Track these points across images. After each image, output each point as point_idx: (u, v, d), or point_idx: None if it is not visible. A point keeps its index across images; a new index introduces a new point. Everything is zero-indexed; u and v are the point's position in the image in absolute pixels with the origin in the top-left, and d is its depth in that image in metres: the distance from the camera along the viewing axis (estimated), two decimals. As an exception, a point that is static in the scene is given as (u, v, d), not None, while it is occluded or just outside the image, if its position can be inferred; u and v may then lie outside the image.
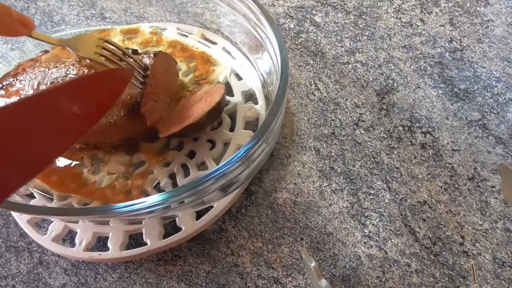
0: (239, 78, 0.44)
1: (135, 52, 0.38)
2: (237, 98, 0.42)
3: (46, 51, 0.40)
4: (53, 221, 0.38)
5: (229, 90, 0.43)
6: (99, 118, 0.29)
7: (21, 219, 0.38)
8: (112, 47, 0.35)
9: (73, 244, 0.36)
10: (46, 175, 0.38)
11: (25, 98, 0.24)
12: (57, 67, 0.36)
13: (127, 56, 0.35)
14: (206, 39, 0.47)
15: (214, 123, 0.41)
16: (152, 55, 0.37)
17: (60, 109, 0.26)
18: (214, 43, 0.46)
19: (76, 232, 0.37)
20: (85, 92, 0.28)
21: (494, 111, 0.40)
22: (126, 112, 0.35)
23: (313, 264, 0.31)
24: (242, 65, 0.44)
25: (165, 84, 0.39)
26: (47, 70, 0.36)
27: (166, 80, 0.39)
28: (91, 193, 0.38)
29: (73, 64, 0.36)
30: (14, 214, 0.39)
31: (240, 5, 0.39)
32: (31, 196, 0.39)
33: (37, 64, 0.37)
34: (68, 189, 0.38)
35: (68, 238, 0.38)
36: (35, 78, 0.37)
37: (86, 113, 0.28)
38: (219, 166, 0.29)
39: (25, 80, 0.37)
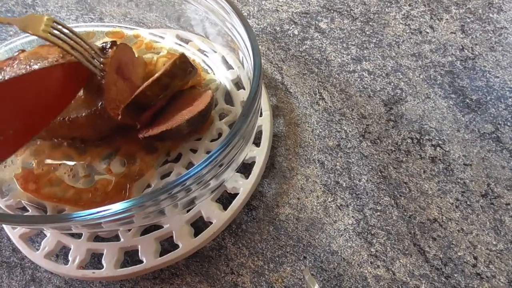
0: (238, 87, 0.42)
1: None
2: (237, 108, 0.40)
3: (23, 51, 0.39)
4: (46, 236, 0.36)
5: (229, 100, 0.41)
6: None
7: (13, 233, 0.37)
8: (63, 29, 0.35)
9: (66, 261, 0.35)
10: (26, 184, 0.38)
11: None
12: (39, 63, 0.35)
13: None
14: (201, 50, 0.45)
15: (214, 133, 0.39)
16: (109, 45, 0.37)
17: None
18: (214, 51, 0.44)
19: (70, 248, 0.35)
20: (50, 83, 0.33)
21: (508, 123, 0.38)
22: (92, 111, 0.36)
23: (316, 287, 0.29)
24: (240, 76, 0.42)
25: (129, 75, 0.39)
26: (28, 67, 0.35)
27: (129, 72, 0.39)
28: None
29: (56, 60, 0.35)
30: (6, 228, 0.37)
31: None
32: (24, 209, 0.37)
33: (16, 62, 0.36)
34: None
35: (62, 254, 0.37)
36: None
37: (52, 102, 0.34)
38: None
39: (4, 78, 0.36)
